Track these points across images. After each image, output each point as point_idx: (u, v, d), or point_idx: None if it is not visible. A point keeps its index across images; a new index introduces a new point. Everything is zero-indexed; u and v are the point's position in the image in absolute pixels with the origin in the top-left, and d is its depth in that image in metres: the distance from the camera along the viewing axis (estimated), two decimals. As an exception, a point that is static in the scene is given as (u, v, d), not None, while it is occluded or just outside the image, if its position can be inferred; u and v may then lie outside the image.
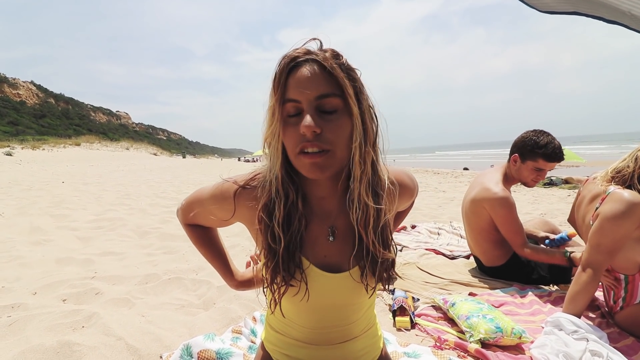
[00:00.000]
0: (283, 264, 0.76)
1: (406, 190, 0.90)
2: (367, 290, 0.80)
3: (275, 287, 0.78)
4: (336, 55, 0.71)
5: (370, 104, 0.75)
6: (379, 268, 0.78)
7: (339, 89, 0.69)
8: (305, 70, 0.69)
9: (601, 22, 1.29)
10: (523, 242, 1.98)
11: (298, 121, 0.70)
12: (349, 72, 0.71)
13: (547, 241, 2.14)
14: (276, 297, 0.79)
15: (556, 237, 2.11)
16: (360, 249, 0.78)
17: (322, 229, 0.82)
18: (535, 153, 1.95)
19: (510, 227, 1.99)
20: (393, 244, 0.81)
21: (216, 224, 0.99)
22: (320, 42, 0.72)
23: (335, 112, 0.70)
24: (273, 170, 0.77)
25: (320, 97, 0.69)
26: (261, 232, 0.79)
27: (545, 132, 1.99)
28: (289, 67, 0.69)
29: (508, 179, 2.11)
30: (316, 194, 0.81)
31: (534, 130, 2.01)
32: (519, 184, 2.12)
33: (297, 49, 0.70)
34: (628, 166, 1.51)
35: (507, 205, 1.97)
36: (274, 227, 0.77)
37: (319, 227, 0.82)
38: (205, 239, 1.04)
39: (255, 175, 0.84)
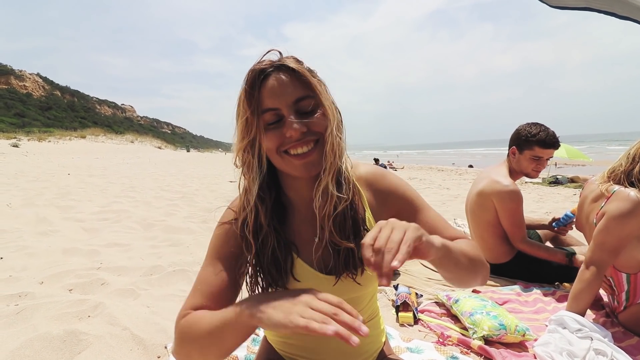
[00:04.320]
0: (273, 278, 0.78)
1: (381, 180, 0.87)
2: (336, 279, 0.78)
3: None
4: (298, 61, 0.75)
5: (333, 100, 0.78)
6: (339, 257, 0.77)
7: (310, 89, 0.73)
8: (276, 78, 0.72)
9: (613, 18, 1.27)
10: (523, 236, 2.08)
11: (278, 127, 0.72)
12: (312, 72, 0.75)
13: (554, 224, 2.15)
14: None
15: (561, 216, 2.12)
16: (321, 240, 0.78)
17: (313, 230, 0.80)
18: (530, 142, 2.03)
19: (515, 220, 2.05)
20: (355, 234, 0.78)
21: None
22: (280, 53, 0.75)
23: (313, 111, 0.74)
24: (254, 179, 0.77)
25: (298, 100, 0.72)
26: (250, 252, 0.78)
27: (538, 123, 2.08)
28: (260, 79, 0.72)
29: (512, 173, 2.16)
30: (303, 196, 0.82)
31: (527, 123, 2.11)
32: (523, 177, 2.18)
33: (262, 62, 0.73)
34: (621, 164, 1.54)
35: (516, 199, 2.02)
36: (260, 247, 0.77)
37: (310, 229, 0.81)
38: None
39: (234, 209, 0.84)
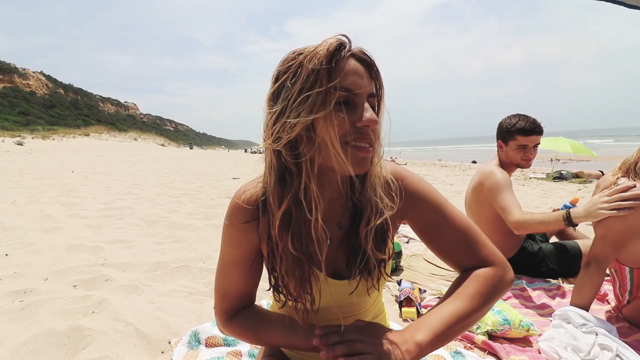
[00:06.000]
0: (304, 276, 0.73)
1: (411, 186, 0.81)
2: (369, 294, 0.79)
3: (301, 301, 0.75)
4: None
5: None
6: (374, 270, 0.76)
7: (377, 89, 0.68)
8: (358, 61, 0.66)
9: (621, 7, 1.24)
10: (517, 214, 1.84)
11: (349, 111, 0.65)
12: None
13: None
14: (307, 308, 0.76)
15: (560, 208, 2.10)
16: (358, 254, 0.75)
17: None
18: (511, 132, 2.05)
19: (504, 199, 1.91)
20: (389, 246, 0.77)
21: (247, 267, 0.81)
22: (349, 39, 0.67)
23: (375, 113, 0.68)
24: (331, 154, 0.65)
25: (369, 96, 0.66)
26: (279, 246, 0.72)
27: (519, 114, 2.09)
28: (343, 54, 0.64)
29: (504, 166, 2.16)
30: (325, 195, 0.73)
31: (508, 115, 2.13)
32: (527, 172, 2.13)
33: (340, 38, 0.65)
34: (632, 156, 1.53)
35: (503, 178, 1.99)
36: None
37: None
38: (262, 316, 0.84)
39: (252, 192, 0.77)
